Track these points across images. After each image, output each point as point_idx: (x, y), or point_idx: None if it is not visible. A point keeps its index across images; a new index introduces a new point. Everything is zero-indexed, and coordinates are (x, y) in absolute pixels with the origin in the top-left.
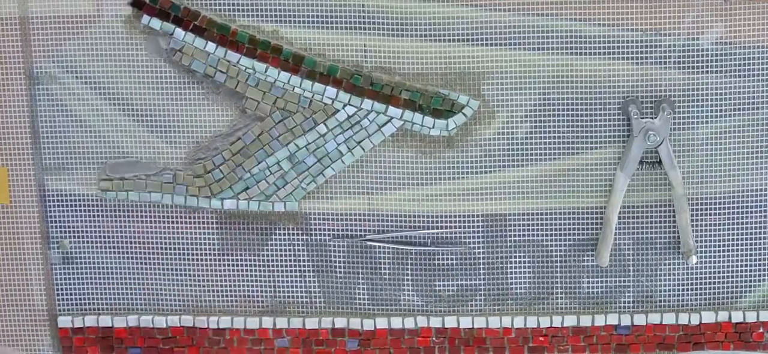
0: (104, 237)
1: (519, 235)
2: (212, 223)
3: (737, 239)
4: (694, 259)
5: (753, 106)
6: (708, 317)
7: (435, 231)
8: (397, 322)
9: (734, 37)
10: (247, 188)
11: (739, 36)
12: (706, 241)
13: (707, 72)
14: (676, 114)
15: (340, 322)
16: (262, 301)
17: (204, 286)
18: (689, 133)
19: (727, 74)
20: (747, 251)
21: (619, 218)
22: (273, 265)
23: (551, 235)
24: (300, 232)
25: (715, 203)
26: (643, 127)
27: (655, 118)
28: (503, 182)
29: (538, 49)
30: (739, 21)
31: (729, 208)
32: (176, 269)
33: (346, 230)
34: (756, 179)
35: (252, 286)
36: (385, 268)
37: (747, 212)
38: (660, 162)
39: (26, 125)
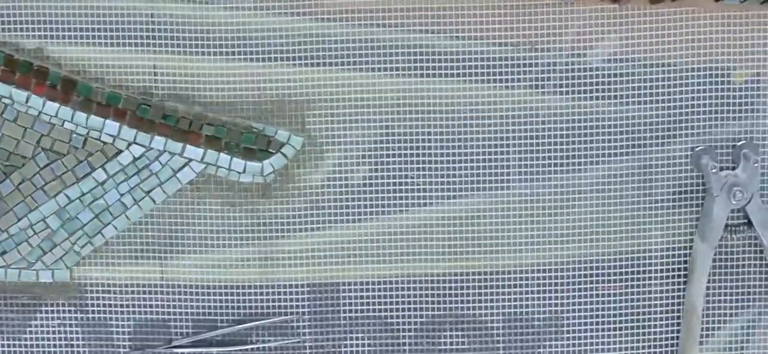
0: None
1: (356, 310)
2: None
3: None
4: None
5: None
6: None
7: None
8: None
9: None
10: (4, 252)
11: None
12: None
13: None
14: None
15: None
16: None
17: None
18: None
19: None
20: None
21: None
22: (38, 353)
23: (397, 309)
24: (73, 308)
25: None
26: (726, 182)
27: (736, 168)
28: (335, 242)
29: (380, 69)
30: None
31: None
32: None
33: (133, 306)
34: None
35: None
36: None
37: None
38: (749, 223)
39: None
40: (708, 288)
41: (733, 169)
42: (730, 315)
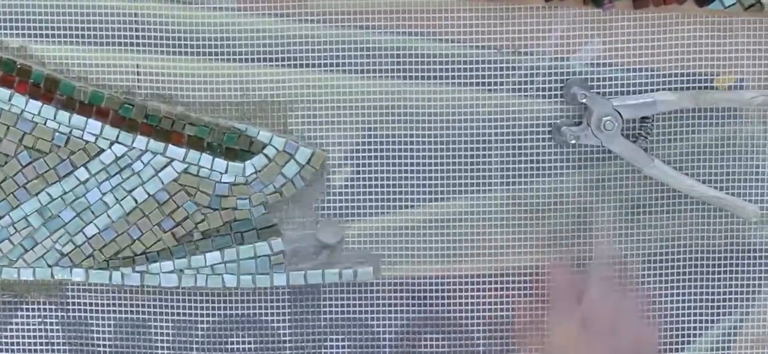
0: None
1: (337, 312)
2: None
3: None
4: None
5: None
6: None
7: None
8: None
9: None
10: None
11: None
12: None
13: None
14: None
15: None
16: None
17: None
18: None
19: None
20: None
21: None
22: (18, 351)
23: (378, 312)
24: (54, 307)
25: None
26: (592, 125)
27: (584, 112)
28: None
29: (362, 71)
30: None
31: None
32: None
33: (113, 305)
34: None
35: None
36: (163, 352)
37: None
38: (643, 121)
39: None
40: (690, 293)
41: (583, 114)
42: (712, 320)
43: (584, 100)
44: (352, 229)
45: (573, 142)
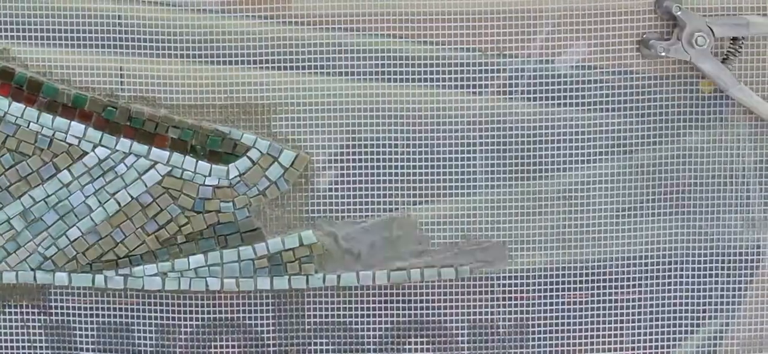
0: None
1: (321, 316)
2: None
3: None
4: None
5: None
6: None
7: None
8: None
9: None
10: None
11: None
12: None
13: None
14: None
15: None
16: None
17: None
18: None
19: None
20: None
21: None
22: None
23: (362, 315)
24: (36, 310)
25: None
26: (684, 40)
27: (674, 25)
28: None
29: (347, 74)
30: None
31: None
32: None
33: (96, 308)
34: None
35: None
36: None
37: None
38: (734, 40)
39: None
40: (674, 298)
41: (674, 27)
42: (698, 324)
43: (678, 13)
44: (336, 231)
45: (662, 54)
